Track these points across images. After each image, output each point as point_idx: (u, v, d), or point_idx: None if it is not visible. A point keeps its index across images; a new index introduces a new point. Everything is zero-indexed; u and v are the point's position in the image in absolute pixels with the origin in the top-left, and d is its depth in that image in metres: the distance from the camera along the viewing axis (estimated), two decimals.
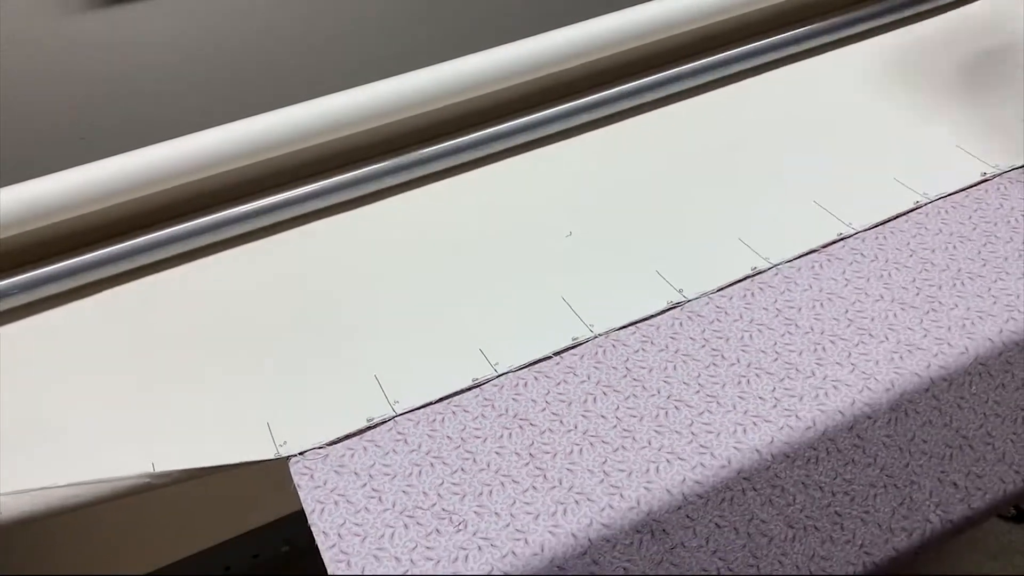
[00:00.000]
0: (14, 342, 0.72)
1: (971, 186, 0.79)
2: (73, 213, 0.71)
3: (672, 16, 0.88)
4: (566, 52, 0.84)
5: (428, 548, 0.54)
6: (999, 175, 0.80)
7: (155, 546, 0.66)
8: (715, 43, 0.95)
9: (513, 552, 0.53)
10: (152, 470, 0.61)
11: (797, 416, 0.59)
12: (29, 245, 0.73)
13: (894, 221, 0.76)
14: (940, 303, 0.67)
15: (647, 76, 0.91)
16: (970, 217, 0.76)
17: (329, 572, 0.54)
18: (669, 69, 0.92)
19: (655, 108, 0.94)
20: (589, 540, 0.53)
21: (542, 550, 0.53)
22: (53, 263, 0.74)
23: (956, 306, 0.67)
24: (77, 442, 0.64)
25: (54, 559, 0.65)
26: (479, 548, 0.54)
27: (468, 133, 0.85)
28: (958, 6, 1.04)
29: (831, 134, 0.88)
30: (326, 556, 0.55)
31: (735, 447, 0.57)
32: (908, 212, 0.77)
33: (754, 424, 0.59)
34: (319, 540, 0.56)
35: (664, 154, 0.88)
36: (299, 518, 0.57)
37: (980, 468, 0.59)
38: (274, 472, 0.62)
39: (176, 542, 0.66)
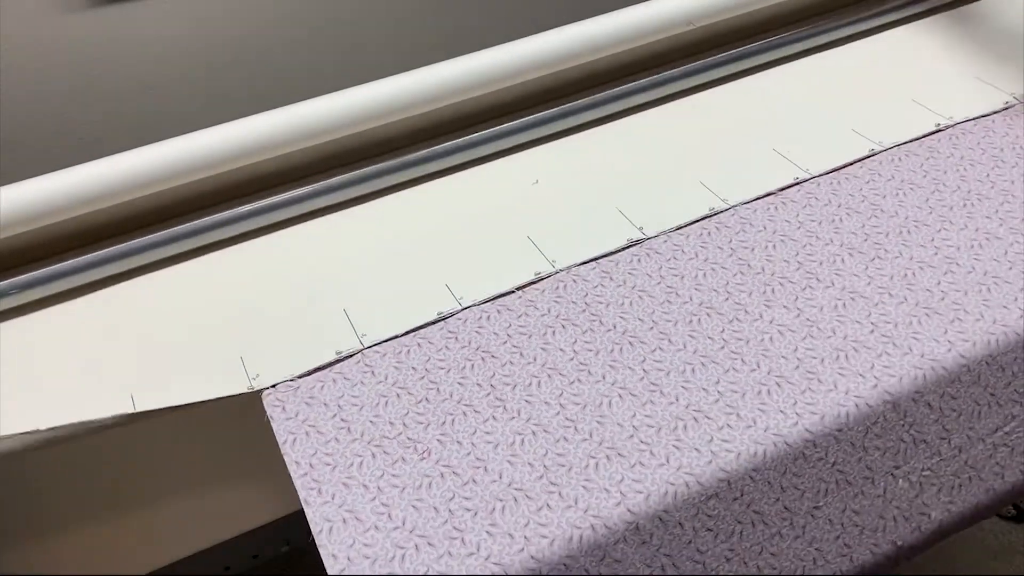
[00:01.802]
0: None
1: (925, 136, 0.82)
2: (72, 213, 0.71)
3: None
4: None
5: (394, 476, 0.58)
6: (952, 126, 0.83)
7: (155, 546, 0.66)
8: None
9: (474, 480, 0.57)
10: (132, 408, 0.63)
11: (743, 359, 0.63)
12: (29, 245, 0.72)
13: (849, 167, 0.79)
14: (886, 251, 0.71)
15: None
16: (921, 165, 0.79)
17: (302, 497, 0.57)
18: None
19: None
20: (544, 467, 0.57)
21: (500, 477, 0.57)
22: (53, 263, 0.72)
23: (900, 255, 0.70)
24: (58, 383, 0.66)
25: (54, 559, 0.66)
26: (442, 475, 0.57)
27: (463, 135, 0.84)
28: None
29: (792, 85, 0.90)
30: (298, 484, 0.58)
31: (683, 386, 0.61)
32: (863, 159, 0.80)
33: (702, 364, 0.62)
34: (291, 469, 0.59)
35: None
36: (299, 518, 0.58)
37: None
38: (275, 472, 0.64)
39: (176, 542, 0.67)
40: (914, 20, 0.98)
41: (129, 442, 0.73)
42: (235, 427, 0.73)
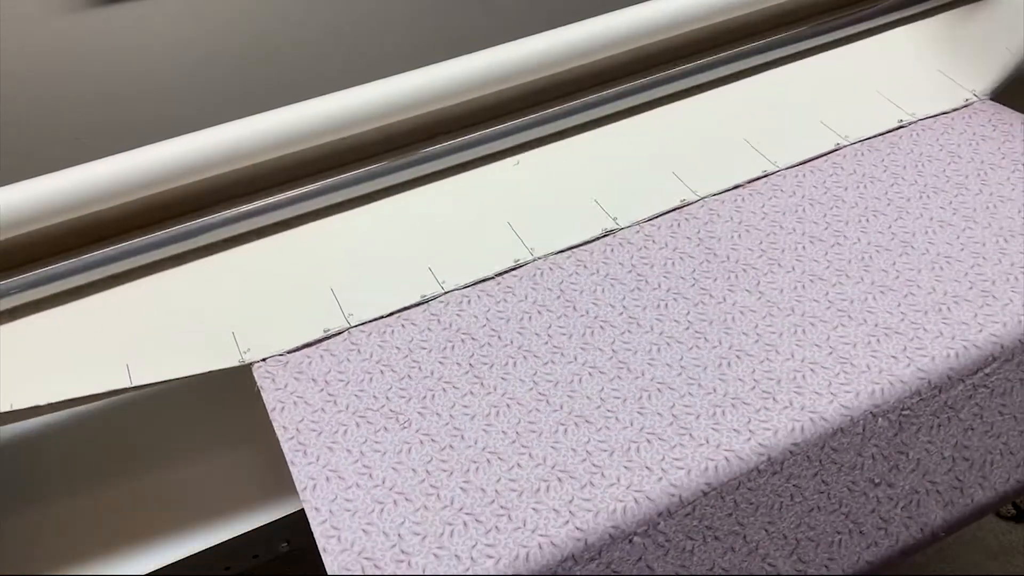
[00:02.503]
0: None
1: (888, 132, 0.86)
2: (73, 213, 0.70)
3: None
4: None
5: (376, 443, 0.62)
6: (914, 122, 0.87)
7: (155, 546, 0.68)
8: None
9: (451, 446, 0.61)
10: (129, 382, 0.66)
11: (706, 338, 0.67)
12: (29, 245, 0.72)
13: (815, 161, 0.83)
14: (845, 237, 0.75)
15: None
16: (883, 160, 0.83)
17: (288, 459, 0.61)
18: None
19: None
20: (517, 433, 0.61)
21: (475, 443, 0.61)
22: (53, 263, 0.72)
23: (858, 241, 0.74)
24: (55, 358, 0.69)
25: (54, 559, 0.68)
26: (421, 442, 0.61)
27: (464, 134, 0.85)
28: None
29: (764, 78, 0.94)
30: (285, 447, 0.62)
31: (649, 363, 0.65)
32: (828, 153, 0.84)
33: (667, 344, 0.67)
34: (279, 434, 0.63)
35: None
36: (299, 518, 0.59)
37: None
38: (275, 472, 0.68)
39: (176, 542, 0.68)
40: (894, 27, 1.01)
41: (129, 442, 0.76)
42: (235, 427, 0.76)
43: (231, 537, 0.69)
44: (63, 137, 0.92)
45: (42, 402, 0.65)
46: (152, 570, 0.66)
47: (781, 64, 0.94)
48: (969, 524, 0.64)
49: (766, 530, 0.59)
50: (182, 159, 0.73)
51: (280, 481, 0.68)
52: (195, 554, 0.68)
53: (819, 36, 0.96)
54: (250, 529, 0.69)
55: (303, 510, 0.57)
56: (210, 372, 0.68)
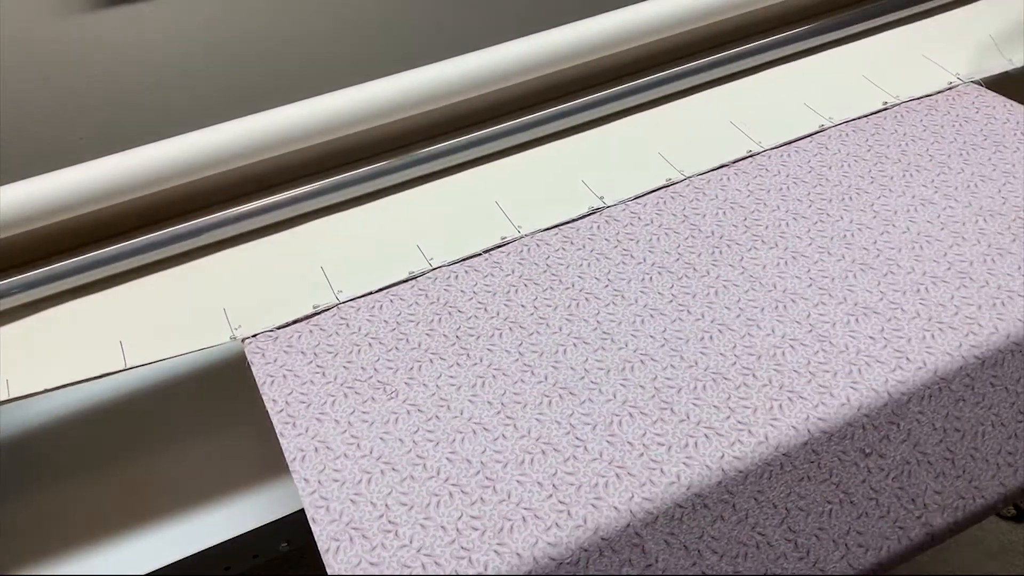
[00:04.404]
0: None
1: (872, 113, 0.87)
2: (73, 213, 0.71)
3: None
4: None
5: (364, 413, 0.63)
6: (898, 104, 0.88)
7: (155, 546, 0.68)
8: None
9: (437, 416, 0.62)
10: (124, 364, 0.67)
11: (689, 311, 0.68)
12: (29, 244, 0.72)
13: (800, 141, 0.84)
14: (828, 215, 0.76)
15: None
16: (867, 140, 0.84)
17: (278, 431, 0.62)
18: None
19: None
20: (502, 404, 0.62)
21: (461, 414, 0.62)
22: (53, 263, 0.72)
23: (841, 218, 0.75)
24: (51, 340, 0.70)
25: (55, 559, 0.68)
26: (408, 412, 0.62)
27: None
28: None
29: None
30: (274, 419, 0.63)
31: (632, 335, 0.66)
32: (814, 134, 0.85)
33: (651, 316, 0.68)
34: (268, 407, 0.64)
35: None
36: (299, 518, 0.59)
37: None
38: (275, 472, 0.69)
39: (176, 542, 0.68)
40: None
41: (130, 442, 0.76)
42: (236, 428, 0.76)
43: (231, 537, 0.69)
44: (64, 137, 0.93)
45: (38, 389, 0.65)
46: (152, 570, 0.67)
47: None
48: (964, 504, 0.63)
49: (755, 499, 0.59)
50: (182, 158, 0.73)
51: (280, 481, 0.69)
52: (195, 554, 0.68)
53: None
54: (250, 529, 0.69)
55: (303, 510, 0.57)
56: (209, 372, 0.68)
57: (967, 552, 1.32)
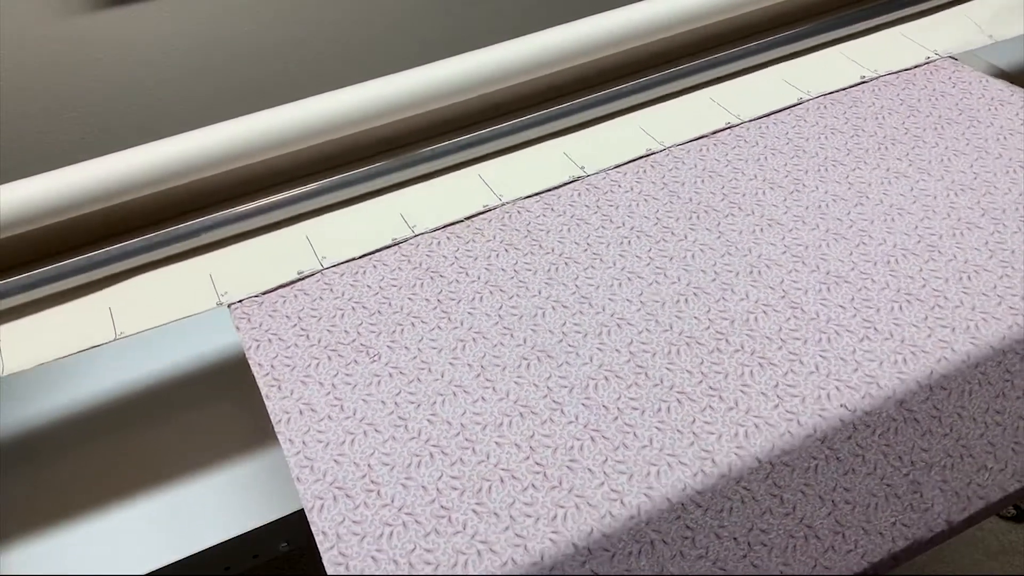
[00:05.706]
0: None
1: (849, 87, 0.88)
2: (73, 212, 0.70)
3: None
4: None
5: (347, 375, 0.64)
6: (875, 78, 0.89)
7: (155, 546, 0.68)
8: None
9: (418, 379, 0.63)
10: (114, 334, 0.68)
11: (666, 274, 0.69)
12: (29, 244, 0.72)
13: (778, 113, 0.86)
14: (804, 185, 0.77)
15: None
16: (844, 113, 0.85)
17: (263, 393, 0.63)
18: None
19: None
20: (482, 367, 0.64)
21: (442, 376, 0.63)
22: (53, 263, 0.72)
23: (816, 189, 0.77)
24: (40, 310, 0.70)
25: (55, 559, 0.68)
26: (390, 375, 0.64)
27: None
28: None
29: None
30: (261, 383, 0.64)
31: (610, 298, 0.68)
32: (791, 107, 0.86)
33: (628, 279, 0.69)
34: (255, 371, 0.65)
35: None
36: (299, 518, 0.60)
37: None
38: (275, 472, 0.69)
39: (176, 542, 0.68)
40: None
41: (130, 442, 0.76)
42: (236, 428, 0.76)
43: (231, 537, 0.69)
44: (65, 137, 0.93)
45: (30, 365, 0.66)
46: (152, 570, 0.67)
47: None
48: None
49: (735, 454, 0.60)
50: (183, 157, 0.72)
51: (280, 481, 0.70)
52: (195, 554, 0.68)
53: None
54: (250, 529, 0.69)
55: (303, 510, 0.58)
56: (209, 373, 0.71)
57: (967, 552, 1.32)
